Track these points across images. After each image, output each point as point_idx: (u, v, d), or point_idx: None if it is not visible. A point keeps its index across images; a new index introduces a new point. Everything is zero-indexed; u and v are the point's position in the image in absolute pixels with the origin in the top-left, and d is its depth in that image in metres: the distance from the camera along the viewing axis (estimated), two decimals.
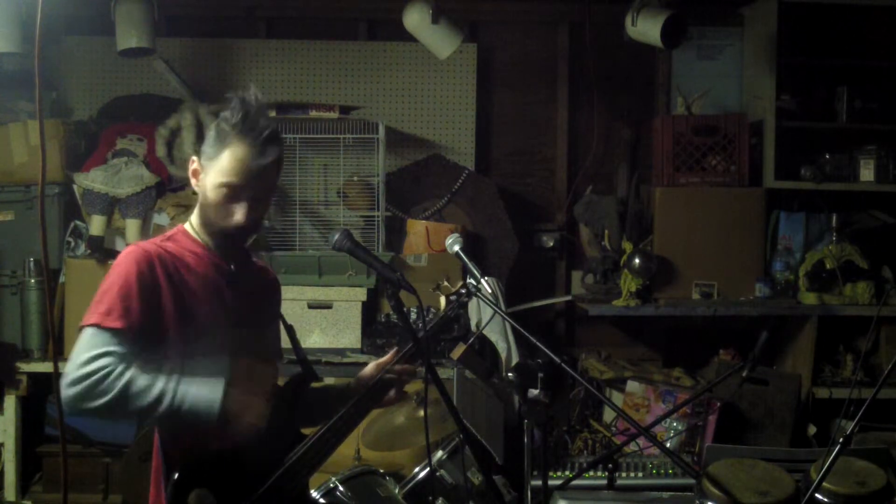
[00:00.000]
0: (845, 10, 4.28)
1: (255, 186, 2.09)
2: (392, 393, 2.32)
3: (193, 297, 2.09)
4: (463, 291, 2.36)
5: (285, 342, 2.34)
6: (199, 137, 4.13)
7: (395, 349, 2.35)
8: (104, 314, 1.97)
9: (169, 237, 2.18)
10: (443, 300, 2.38)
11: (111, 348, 1.95)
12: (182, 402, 1.94)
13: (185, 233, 2.18)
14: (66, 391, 1.92)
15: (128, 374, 1.92)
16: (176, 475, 1.99)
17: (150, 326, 2.02)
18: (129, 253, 2.06)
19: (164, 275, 2.05)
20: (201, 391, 1.95)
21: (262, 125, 2.08)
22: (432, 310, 3.85)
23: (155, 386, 1.93)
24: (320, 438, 2.17)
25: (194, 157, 2.15)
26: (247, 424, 1.98)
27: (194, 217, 2.19)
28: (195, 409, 1.94)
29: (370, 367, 2.34)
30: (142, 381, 1.93)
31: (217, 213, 2.11)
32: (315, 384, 2.36)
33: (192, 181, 2.16)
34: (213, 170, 2.09)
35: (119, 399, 1.91)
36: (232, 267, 2.18)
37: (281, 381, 2.25)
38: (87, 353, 1.94)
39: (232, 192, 2.08)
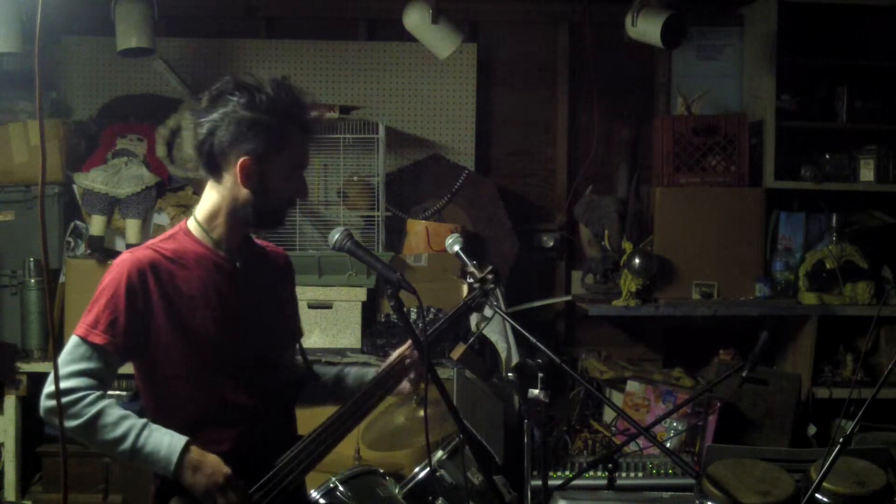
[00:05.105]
0: (845, 10, 4.27)
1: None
2: (406, 383, 2.30)
3: (191, 306, 2.04)
4: (490, 277, 2.31)
5: None
6: None
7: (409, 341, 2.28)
8: (90, 326, 1.99)
9: (169, 237, 2.12)
10: (465, 287, 2.33)
11: (91, 365, 1.96)
12: (143, 447, 1.94)
13: (188, 232, 2.12)
14: (44, 402, 1.96)
15: (100, 405, 1.93)
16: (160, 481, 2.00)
17: (140, 341, 2.01)
18: (122, 262, 2.03)
19: (156, 285, 2.01)
20: (162, 441, 1.95)
21: (301, 102, 2.10)
22: (432, 309, 3.85)
23: (122, 424, 1.94)
24: (333, 423, 2.15)
25: (245, 157, 2.02)
26: (203, 483, 1.96)
27: (204, 215, 2.11)
28: (154, 457, 1.94)
29: (393, 357, 2.31)
30: (111, 416, 1.94)
31: (282, 199, 2.11)
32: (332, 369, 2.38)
33: (240, 180, 2.04)
34: (280, 163, 2.06)
35: (86, 427, 1.92)
36: (237, 264, 2.13)
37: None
38: (68, 367, 1.96)
39: (301, 174, 2.14)
